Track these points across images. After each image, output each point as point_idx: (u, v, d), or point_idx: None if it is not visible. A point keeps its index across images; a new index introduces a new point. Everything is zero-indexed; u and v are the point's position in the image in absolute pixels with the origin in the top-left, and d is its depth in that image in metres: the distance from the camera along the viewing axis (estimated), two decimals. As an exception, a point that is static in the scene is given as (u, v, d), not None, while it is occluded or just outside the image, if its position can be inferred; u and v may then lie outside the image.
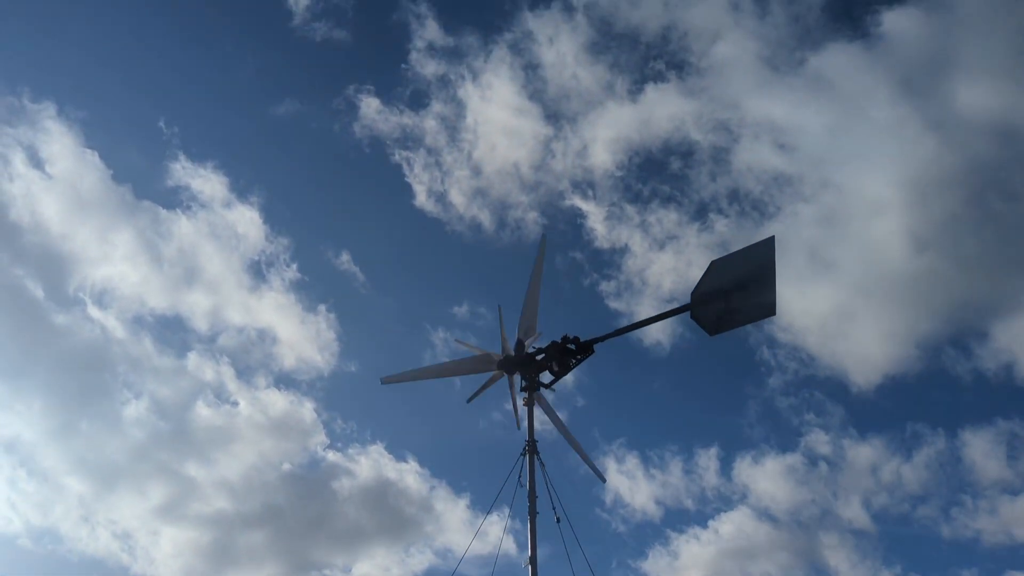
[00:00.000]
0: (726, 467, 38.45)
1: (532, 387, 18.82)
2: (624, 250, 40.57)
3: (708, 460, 38.61)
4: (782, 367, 39.14)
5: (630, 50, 41.55)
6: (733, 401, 41.59)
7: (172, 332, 40.63)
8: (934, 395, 40.20)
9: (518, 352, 18.74)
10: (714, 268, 15.55)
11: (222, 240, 40.71)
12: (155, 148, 40.89)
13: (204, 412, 38.26)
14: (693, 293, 15.91)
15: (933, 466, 37.22)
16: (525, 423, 18.91)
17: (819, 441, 38.11)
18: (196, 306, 40.42)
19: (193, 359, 39.34)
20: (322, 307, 41.85)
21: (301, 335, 40.62)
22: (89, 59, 40.83)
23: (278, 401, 39.81)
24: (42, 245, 36.75)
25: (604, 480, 19.27)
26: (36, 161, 36.94)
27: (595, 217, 40.80)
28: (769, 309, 14.53)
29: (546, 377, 19.30)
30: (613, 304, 40.43)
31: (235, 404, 39.52)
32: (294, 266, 40.98)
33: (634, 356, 40.62)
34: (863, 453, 37.95)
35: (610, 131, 40.53)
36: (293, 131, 44.45)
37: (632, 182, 41.40)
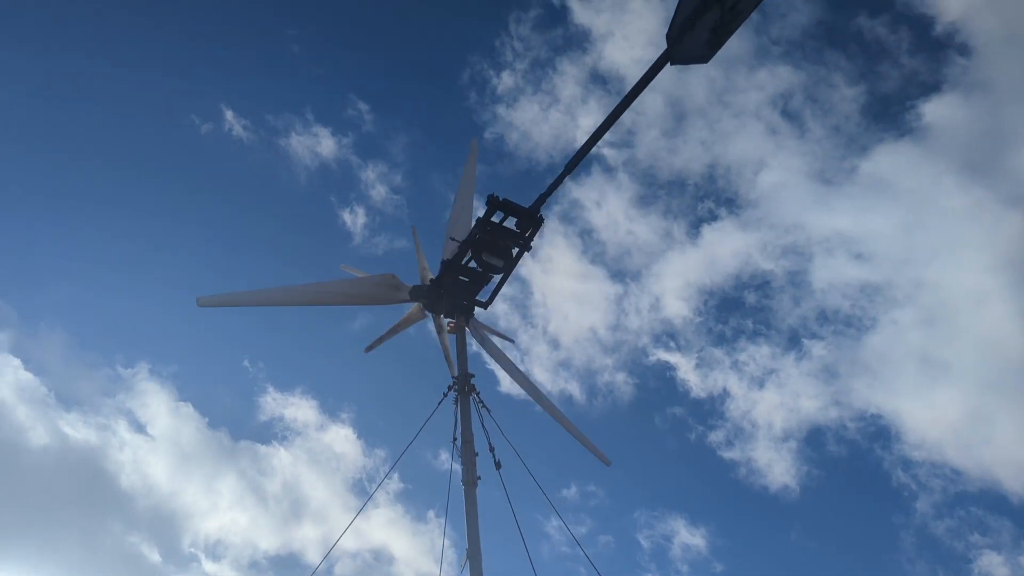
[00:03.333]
0: (896, 613, 31.41)
1: (460, 308, 11.93)
2: (724, 395, 36.70)
3: (874, 609, 31.59)
4: (926, 488, 33.84)
5: (679, 195, 40.22)
6: (882, 536, 35.07)
7: (288, 570, 37.01)
8: (1105, 483, 33.24)
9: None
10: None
11: (322, 464, 39.25)
12: (244, 387, 40.48)
13: (330, 651, 30.98)
14: (668, 33, 9.94)
15: None
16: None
17: (993, 563, 31.60)
18: (307, 539, 37.21)
19: (309, 596, 32.17)
20: (431, 513, 37.55)
21: (416, 548, 36.67)
22: (168, 315, 41.12)
23: (404, 624, 35.51)
24: (153, 508, 36.20)
25: (608, 463, 11.61)
26: (137, 425, 37.51)
27: (685, 367, 37.41)
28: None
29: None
30: (727, 454, 36.11)
31: (360, 636, 34.82)
32: (395, 476, 37.37)
33: (761, 506, 36.18)
34: (1047, 566, 30.82)
35: (678, 279, 38.42)
36: (370, 342, 42.39)
37: (713, 324, 38.36)
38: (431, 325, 12.90)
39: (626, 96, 10.60)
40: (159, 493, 36.83)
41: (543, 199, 11.21)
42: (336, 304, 12.43)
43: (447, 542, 11.23)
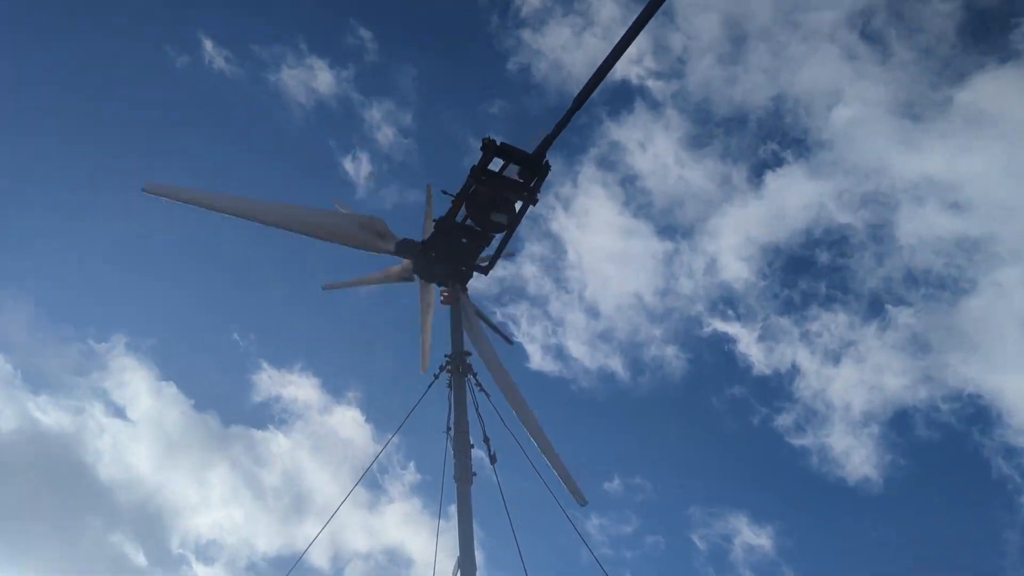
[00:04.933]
0: (998, 623, 27.85)
1: (455, 275, 10.37)
2: (792, 372, 32.01)
3: (973, 618, 28.01)
4: (1032, 479, 29.35)
5: (738, 135, 34.68)
6: (982, 535, 30.30)
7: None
8: None
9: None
10: None
11: (326, 451, 34.69)
12: (234, 363, 35.62)
13: (341, 665, 30.65)
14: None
15: None
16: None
17: (1111, 567, 27.57)
18: (312, 539, 34.08)
19: (318, 603, 31.96)
20: (452, 508, 34.66)
21: (434, 547, 32.54)
22: (143, 281, 36.93)
23: (420, 632, 30.32)
24: (136, 502, 32.38)
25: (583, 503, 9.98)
26: (115, 408, 33.54)
27: (746, 340, 32.72)
28: None
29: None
30: (797, 441, 31.60)
31: (375, 647, 31.42)
32: (411, 465, 33.10)
33: (838, 499, 31.35)
34: None
35: (737, 235, 33.39)
36: (377, 314, 37.40)
37: (779, 289, 33.34)
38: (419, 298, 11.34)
39: (641, 14, 8.79)
40: (143, 486, 33.30)
41: (549, 142, 9.51)
42: (307, 235, 10.65)
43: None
